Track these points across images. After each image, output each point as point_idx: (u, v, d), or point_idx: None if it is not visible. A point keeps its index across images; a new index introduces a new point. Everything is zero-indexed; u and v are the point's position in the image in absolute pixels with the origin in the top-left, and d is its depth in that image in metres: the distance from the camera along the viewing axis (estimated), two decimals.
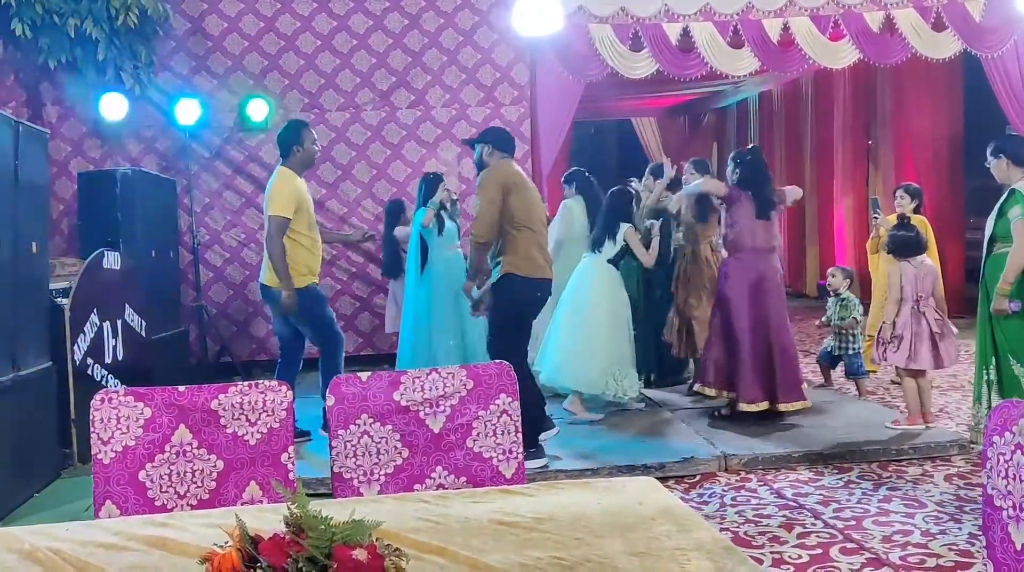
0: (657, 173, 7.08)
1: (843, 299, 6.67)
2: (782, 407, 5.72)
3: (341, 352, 5.56)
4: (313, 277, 5.45)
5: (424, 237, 6.50)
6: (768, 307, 5.78)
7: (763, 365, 5.75)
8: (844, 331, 6.68)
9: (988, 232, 5.05)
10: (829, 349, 6.84)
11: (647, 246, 6.26)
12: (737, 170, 5.93)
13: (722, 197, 6.01)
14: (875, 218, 6.94)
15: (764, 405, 5.73)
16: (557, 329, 6.12)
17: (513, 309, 5.09)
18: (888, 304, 5.57)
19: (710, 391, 5.95)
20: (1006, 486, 1.89)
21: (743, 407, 5.72)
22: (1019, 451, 1.85)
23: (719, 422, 5.85)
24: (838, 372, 7.02)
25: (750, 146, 6.45)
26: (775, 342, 5.75)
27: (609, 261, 6.15)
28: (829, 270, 7.07)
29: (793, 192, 6.25)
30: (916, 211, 6.78)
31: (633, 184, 7.33)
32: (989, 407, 4.95)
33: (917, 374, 5.53)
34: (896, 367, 5.68)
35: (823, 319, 6.91)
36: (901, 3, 8.26)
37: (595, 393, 6.08)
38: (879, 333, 5.66)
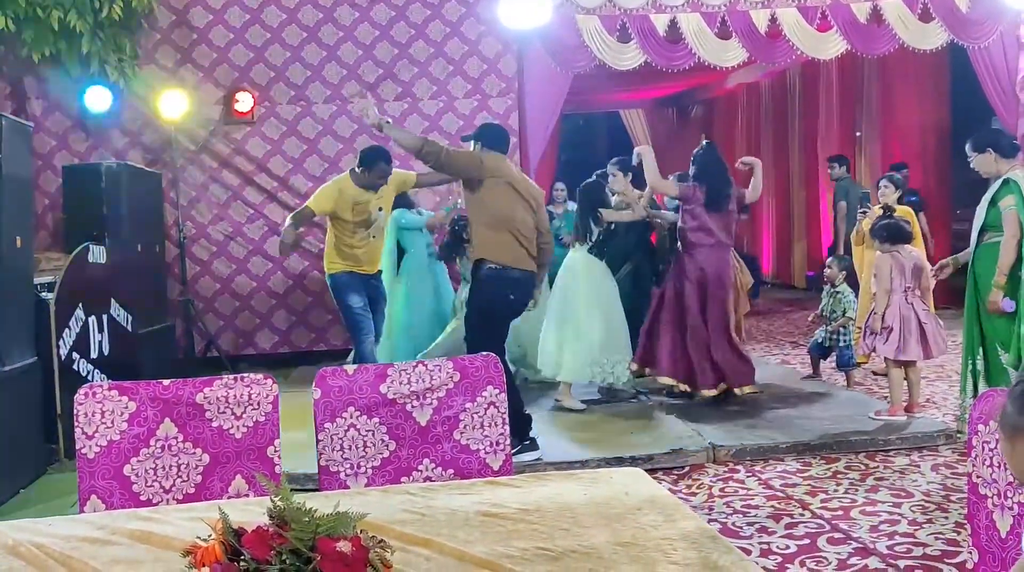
0: (625, 166, 7.06)
1: (837, 292, 6.65)
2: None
3: (359, 338, 5.66)
4: (348, 266, 5.63)
5: (400, 239, 6.55)
6: (710, 302, 5.96)
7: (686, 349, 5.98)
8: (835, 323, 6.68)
9: (978, 222, 5.06)
10: (820, 340, 6.82)
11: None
12: (693, 166, 6.12)
13: (676, 197, 6.22)
14: (863, 212, 6.94)
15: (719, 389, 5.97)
16: (547, 323, 6.24)
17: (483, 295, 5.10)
18: (878, 295, 5.57)
19: (666, 380, 6.05)
20: (991, 474, 1.90)
21: (705, 394, 5.96)
22: None
23: (707, 413, 5.87)
24: (827, 364, 7.03)
25: (705, 141, 6.49)
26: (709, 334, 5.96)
27: (591, 251, 6.22)
28: (827, 260, 7.07)
29: (752, 193, 6.25)
30: (900, 202, 6.81)
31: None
32: (974, 396, 4.97)
33: (906, 365, 5.55)
34: (884, 357, 5.69)
35: (818, 310, 6.89)
36: None
37: (582, 381, 6.18)
38: (867, 324, 5.68)
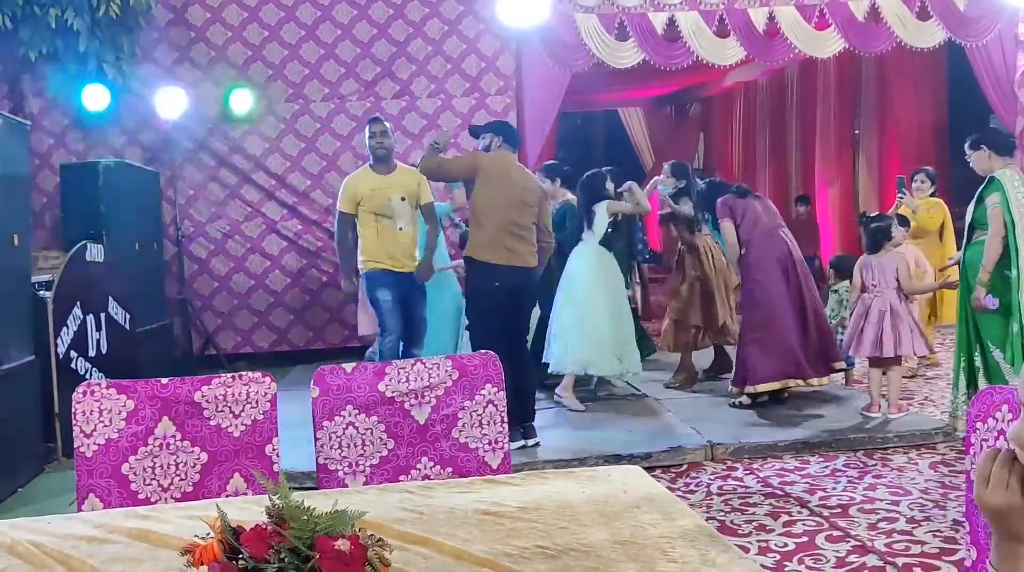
0: (552, 171, 7.03)
1: (836, 291, 6.66)
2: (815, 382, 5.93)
3: (386, 338, 5.61)
4: (381, 264, 5.58)
5: None
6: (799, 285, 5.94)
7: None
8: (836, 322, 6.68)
9: (968, 220, 5.09)
10: None
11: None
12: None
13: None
14: (900, 198, 7.03)
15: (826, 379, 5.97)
16: (559, 317, 6.15)
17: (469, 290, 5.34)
18: (851, 295, 5.71)
19: (764, 386, 5.86)
20: None
21: (812, 383, 5.89)
22: (1002, 437, 1.85)
23: (706, 411, 5.87)
24: None
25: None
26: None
27: (601, 243, 6.23)
28: (830, 259, 7.13)
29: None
30: (933, 195, 7.08)
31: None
32: (966, 394, 5.01)
33: (876, 362, 5.58)
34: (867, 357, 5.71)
35: None
36: None
37: (612, 375, 6.22)
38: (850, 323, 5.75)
